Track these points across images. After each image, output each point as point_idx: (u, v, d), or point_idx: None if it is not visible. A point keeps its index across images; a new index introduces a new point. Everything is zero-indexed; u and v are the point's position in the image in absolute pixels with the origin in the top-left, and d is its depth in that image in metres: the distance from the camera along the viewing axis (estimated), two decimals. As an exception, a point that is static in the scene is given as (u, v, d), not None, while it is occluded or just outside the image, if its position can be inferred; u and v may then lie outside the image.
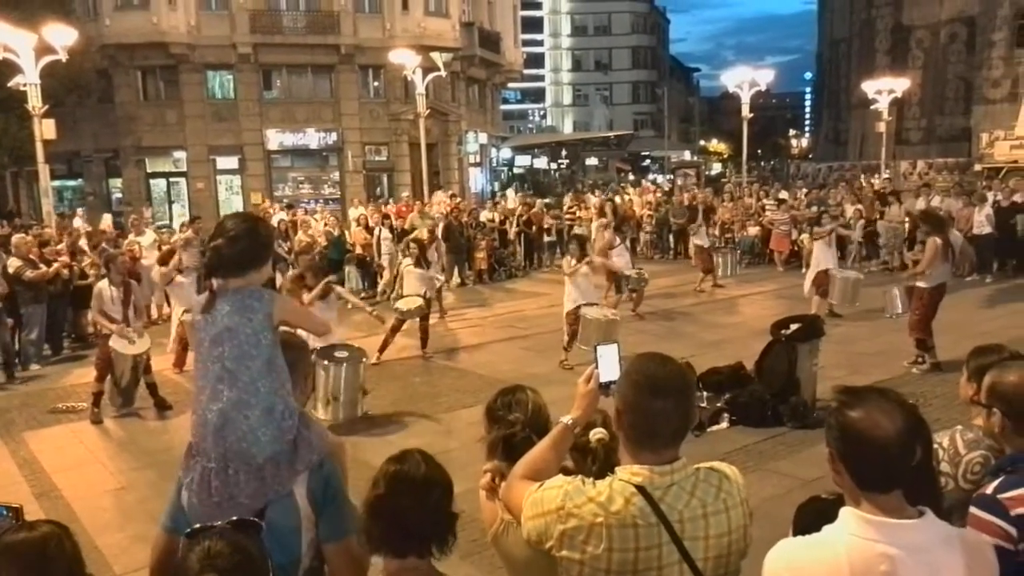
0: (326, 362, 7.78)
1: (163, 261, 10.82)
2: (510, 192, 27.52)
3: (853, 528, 1.80)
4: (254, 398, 2.70)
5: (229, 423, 2.68)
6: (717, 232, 19.67)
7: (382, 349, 10.48)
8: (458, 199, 22.24)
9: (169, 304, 14.65)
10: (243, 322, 2.74)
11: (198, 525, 2.02)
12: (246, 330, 2.73)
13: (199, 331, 2.81)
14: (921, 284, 9.38)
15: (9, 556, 2.09)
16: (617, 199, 22.89)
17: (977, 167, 30.53)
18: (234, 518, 2.11)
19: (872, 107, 28.82)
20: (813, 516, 2.32)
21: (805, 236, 13.87)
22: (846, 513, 1.84)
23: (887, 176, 28.94)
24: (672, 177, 39.81)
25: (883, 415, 1.78)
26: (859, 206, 19.08)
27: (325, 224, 17.61)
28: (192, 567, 1.85)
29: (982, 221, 16.02)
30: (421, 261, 11.20)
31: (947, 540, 1.81)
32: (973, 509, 2.29)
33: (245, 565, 1.88)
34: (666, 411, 1.96)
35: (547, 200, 25.41)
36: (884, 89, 27.18)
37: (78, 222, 17.17)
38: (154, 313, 14.30)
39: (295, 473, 2.68)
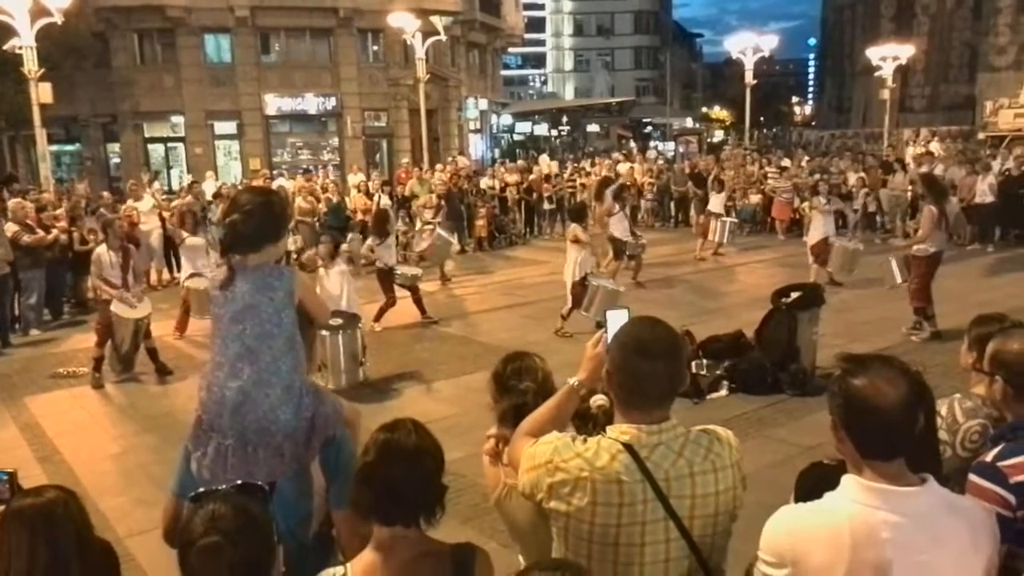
0: (323, 332, 7.80)
1: (181, 223, 10.99)
2: (544, 157, 27.15)
3: (855, 495, 1.81)
4: (275, 376, 2.70)
5: (249, 401, 2.68)
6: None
7: (378, 316, 10.50)
8: (461, 162, 22.08)
9: (171, 269, 14.74)
10: (264, 300, 2.73)
11: (203, 489, 2.03)
12: (268, 309, 2.72)
13: (217, 307, 2.80)
14: (918, 253, 9.42)
15: (18, 521, 2.10)
16: (620, 167, 22.75)
17: (981, 135, 30.32)
18: (239, 482, 2.12)
19: (876, 74, 28.56)
20: (815, 482, 2.33)
21: (807, 204, 13.81)
22: (848, 480, 1.84)
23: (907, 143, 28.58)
24: (674, 144, 39.55)
25: (886, 383, 1.77)
26: (862, 174, 18.98)
27: (325, 191, 17.48)
28: (196, 530, 1.86)
29: (984, 190, 15.94)
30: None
31: (949, 507, 1.81)
32: (972, 476, 2.30)
33: (248, 528, 1.89)
34: (654, 372, 1.99)
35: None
36: (888, 56, 26.88)
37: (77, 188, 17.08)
38: (153, 278, 14.30)
39: (313, 449, 2.70)
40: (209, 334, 3.01)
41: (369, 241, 10.70)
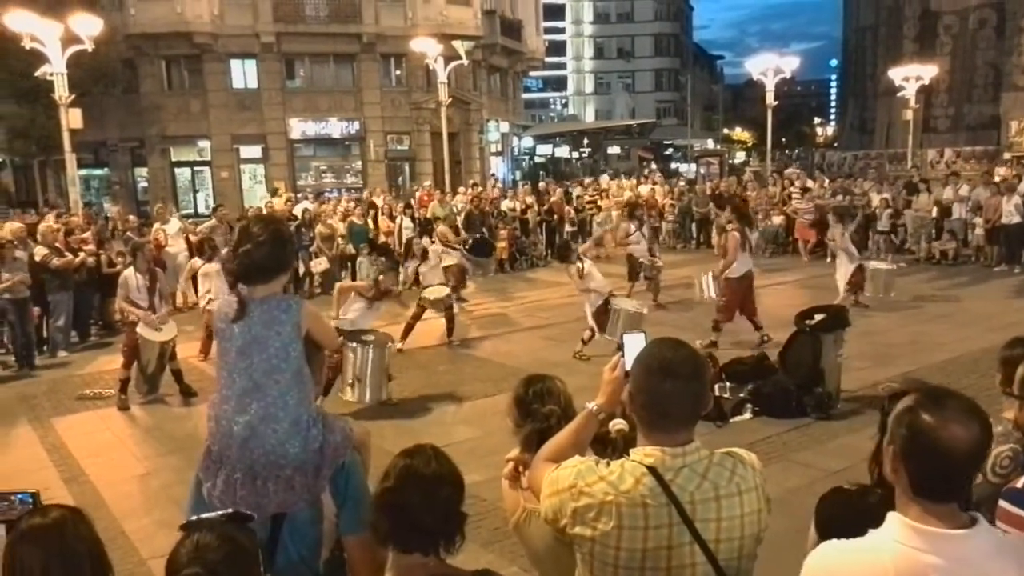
0: (354, 344, 7.86)
1: (199, 251, 10.87)
2: (605, 177, 27.48)
3: (899, 535, 1.73)
4: (282, 411, 2.70)
5: (256, 436, 2.69)
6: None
7: (404, 336, 10.54)
8: (480, 188, 22.22)
9: (196, 293, 14.87)
10: (271, 335, 2.73)
11: (194, 517, 2.03)
12: (275, 343, 2.73)
13: (224, 340, 2.81)
14: (728, 275, 10.01)
15: (30, 541, 2.10)
16: (642, 189, 22.78)
17: (1006, 156, 29.98)
18: (229, 510, 2.12)
19: (899, 95, 28.33)
20: (835, 508, 2.30)
21: (829, 235, 13.66)
22: (893, 519, 1.76)
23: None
24: (696, 165, 39.56)
25: (960, 426, 1.67)
26: (886, 195, 18.83)
27: (348, 214, 17.54)
28: (180, 560, 1.88)
29: (1011, 210, 15.74)
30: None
31: (1000, 551, 1.73)
32: (1002, 503, 2.26)
33: (233, 558, 1.89)
34: (677, 393, 1.97)
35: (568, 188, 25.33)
36: (911, 76, 26.69)
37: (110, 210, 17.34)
38: (179, 301, 14.44)
39: (324, 479, 2.70)
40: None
41: (415, 265, 10.90)
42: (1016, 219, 15.72)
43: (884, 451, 1.80)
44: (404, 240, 16.27)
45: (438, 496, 2.14)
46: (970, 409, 1.72)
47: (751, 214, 11.21)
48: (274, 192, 24.15)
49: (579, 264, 9.76)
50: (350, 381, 7.87)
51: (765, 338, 9.85)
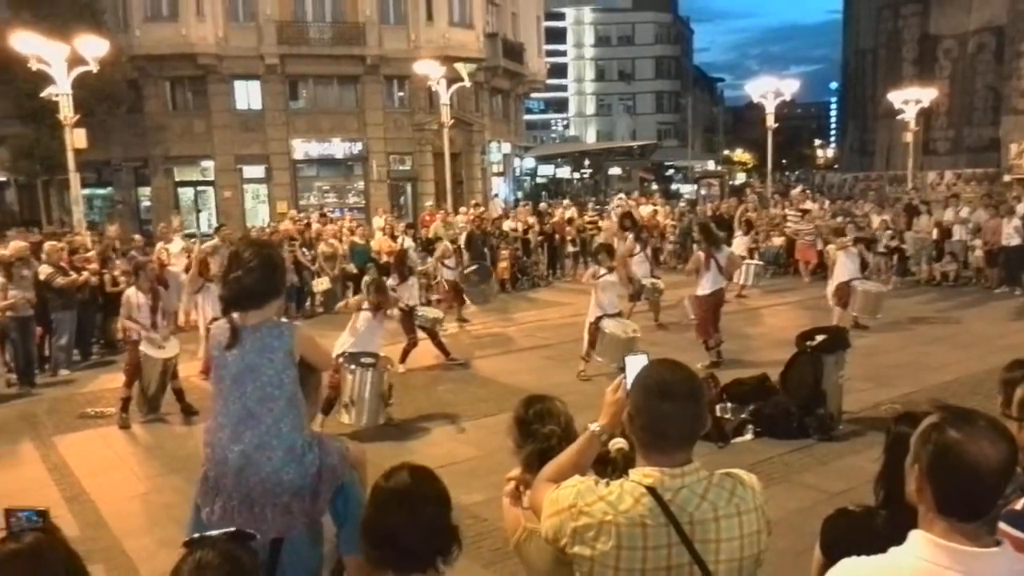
0: (353, 367, 7.88)
1: (201, 271, 10.78)
2: (621, 196, 27.93)
3: (923, 552, 1.72)
4: (276, 439, 2.70)
5: (251, 464, 2.68)
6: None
7: (403, 358, 10.52)
8: (482, 209, 22.29)
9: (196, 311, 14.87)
10: (264, 362, 2.73)
11: (197, 535, 2.03)
12: (268, 371, 2.73)
13: (219, 368, 2.81)
14: (697, 293, 10.43)
15: (5, 567, 2.09)
16: (643, 210, 22.84)
17: (1006, 178, 30.11)
18: (232, 529, 2.12)
19: (898, 117, 28.44)
20: (840, 529, 2.31)
21: (831, 247, 13.70)
22: (916, 536, 1.76)
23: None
24: (696, 186, 39.74)
25: (989, 444, 1.68)
26: (885, 217, 18.87)
27: (351, 232, 17.57)
28: None
29: (1011, 232, 15.78)
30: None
31: None
32: (1002, 525, 2.25)
33: (235, 575, 1.90)
34: (675, 414, 1.99)
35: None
36: (911, 99, 26.83)
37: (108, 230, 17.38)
38: (181, 319, 14.44)
39: (323, 502, 2.71)
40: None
41: (390, 281, 10.66)
42: (1016, 241, 15.75)
43: (907, 470, 1.78)
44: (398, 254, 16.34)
45: (421, 516, 2.13)
46: (997, 427, 1.73)
47: (719, 236, 11.41)
48: (282, 215, 24.27)
49: (603, 271, 9.98)
50: (346, 403, 7.87)
51: (717, 357, 10.21)
